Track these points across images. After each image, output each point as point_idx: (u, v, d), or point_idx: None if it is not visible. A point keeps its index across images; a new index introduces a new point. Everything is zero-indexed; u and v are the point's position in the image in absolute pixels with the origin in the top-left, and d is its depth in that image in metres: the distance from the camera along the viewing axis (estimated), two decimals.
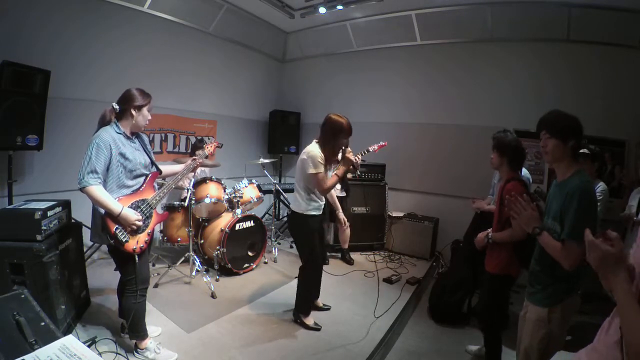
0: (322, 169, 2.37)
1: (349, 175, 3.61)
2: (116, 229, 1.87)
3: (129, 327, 2.11)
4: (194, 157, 2.49)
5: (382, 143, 3.49)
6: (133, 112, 1.96)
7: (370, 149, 3.45)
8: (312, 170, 2.34)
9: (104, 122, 1.98)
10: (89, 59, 3.52)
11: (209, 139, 4.93)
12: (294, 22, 5.05)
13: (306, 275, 2.65)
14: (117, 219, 1.86)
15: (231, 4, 4.58)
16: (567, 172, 1.51)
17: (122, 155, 1.92)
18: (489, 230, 2.13)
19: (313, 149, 2.41)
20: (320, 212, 2.59)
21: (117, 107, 1.96)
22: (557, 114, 1.54)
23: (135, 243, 1.95)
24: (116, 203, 1.87)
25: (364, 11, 4.68)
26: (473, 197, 3.13)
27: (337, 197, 3.84)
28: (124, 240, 1.90)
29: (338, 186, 3.79)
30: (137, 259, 1.99)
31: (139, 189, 2.03)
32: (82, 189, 1.83)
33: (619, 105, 3.61)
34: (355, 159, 3.37)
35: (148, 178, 2.09)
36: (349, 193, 4.00)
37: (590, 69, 3.77)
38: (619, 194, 3.53)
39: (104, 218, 1.87)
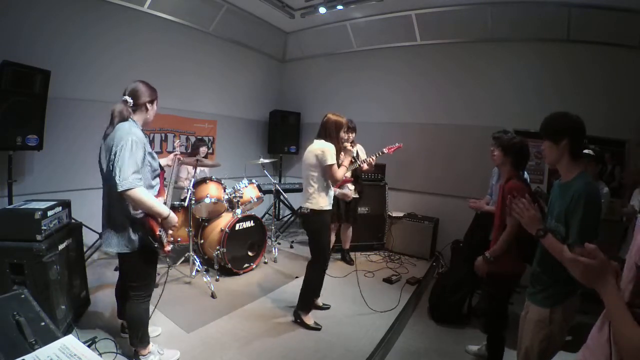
0: (336, 160, 2.53)
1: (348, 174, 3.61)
2: (160, 231, 1.80)
3: (136, 335, 1.99)
4: (175, 153, 2.45)
5: (396, 145, 3.44)
6: (148, 105, 1.88)
7: (385, 150, 3.44)
8: (330, 162, 2.48)
9: (123, 118, 1.81)
10: (89, 58, 3.53)
11: (208, 139, 4.94)
12: (294, 22, 5.05)
13: (314, 272, 2.66)
14: (162, 221, 1.78)
15: (231, 4, 4.58)
16: (570, 173, 1.50)
17: (150, 154, 1.84)
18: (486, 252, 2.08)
19: (325, 144, 2.54)
20: (331, 207, 2.66)
21: (131, 100, 1.83)
22: (552, 116, 1.53)
23: (168, 244, 1.90)
24: (163, 205, 1.79)
25: (364, 11, 4.68)
26: (470, 198, 3.09)
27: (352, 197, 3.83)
28: (165, 242, 1.83)
29: (352, 187, 3.81)
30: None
31: (159, 189, 1.97)
32: (125, 192, 1.66)
33: (619, 105, 3.61)
34: (370, 160, 3.39)
35: (159, 178, 2.02)
36: (362, 195, 3.99)
37: (590, 69, 3.77)
38: (619, 194, 3.53)
39: (146, 221, 1.77)
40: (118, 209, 1.80)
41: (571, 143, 1.46)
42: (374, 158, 3.50)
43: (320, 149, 2.52)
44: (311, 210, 2.56)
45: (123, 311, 2.17)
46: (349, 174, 3.70)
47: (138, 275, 1.95)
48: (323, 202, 2.55)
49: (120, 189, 1.64)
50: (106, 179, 1.83)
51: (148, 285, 1.99)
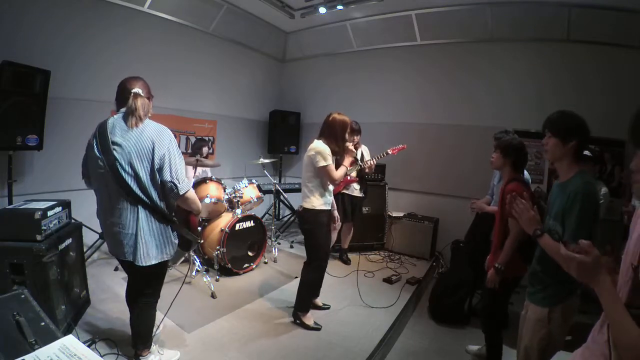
0: (330, 161, 2.51)
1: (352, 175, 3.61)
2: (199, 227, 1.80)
3: (143, 340, 1.96)
4: None
5: (400, 146, 3.45)
6: (152, 102, 1.75)
7: (389, 151, 3.45)
8: (322, 163, 2.46)
9: (146, 115, 1.70)
10: (88, 58, 3.52)
11: (208, 139, 4.94)
12: (294, 22, 5.05)
13: (310, 272, 2.66)
14: (198, 215, 1.78)
15: (231, 4, 4.58)
16: (569, 172, 1.51)
17: None
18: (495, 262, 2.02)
19: (319, 145, 2.52)
20: (329, 208, 2.65)
21: (143, 94, 1.69)
22: (561, 114, 1.54)
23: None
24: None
25: (364, 11, 4.68)
26: (472, 199, 3.05)
27: (356, 197, 3.88)
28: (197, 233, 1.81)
29: (357, 186, 3.85)
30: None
31: None
32: (185, 194, 1.64)
33: (619, 105, 3.60)
34: (372, 163, 3.41)
35: None
36: (367, 194, 4.01)
37: (590, 69, 3.77)
38: (619, 194, 3.53)
39: (190, 220, 1.75)
40: (159, 216, 1.69)
41: (578, 145, 1.48)
42: (374, 160, 3.51)
43: (314, 149, 2.51)
44: (304, 208, 2.57)
45: None
46: (354, 174, 3.74)
47: (159, 281, 1.95)
48: (317, 202, 2.54)
49: (182, 192, 1.63)
50: (142, 188, 1.64)
51: (160, 289, 1.99)
